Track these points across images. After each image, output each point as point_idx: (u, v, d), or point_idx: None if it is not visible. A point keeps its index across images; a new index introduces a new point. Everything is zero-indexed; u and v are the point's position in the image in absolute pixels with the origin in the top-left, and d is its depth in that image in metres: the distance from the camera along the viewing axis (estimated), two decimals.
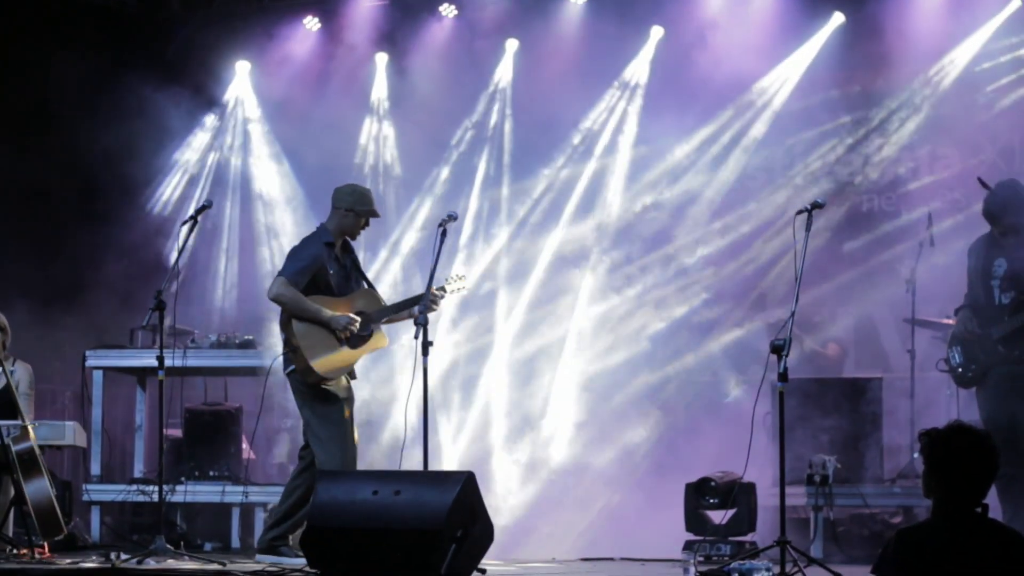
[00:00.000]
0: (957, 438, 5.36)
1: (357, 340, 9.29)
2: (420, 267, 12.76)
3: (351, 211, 9.44)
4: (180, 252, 9.72)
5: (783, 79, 13.15)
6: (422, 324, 8.79)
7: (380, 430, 11.80)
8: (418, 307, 9.07)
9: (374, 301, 9.52)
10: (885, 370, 12.17)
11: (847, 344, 13.03)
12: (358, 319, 9.28)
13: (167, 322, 9.57)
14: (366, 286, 9.62)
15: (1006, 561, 5.21)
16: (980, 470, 5.34)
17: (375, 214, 9.60)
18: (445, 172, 13.78)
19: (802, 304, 8.59)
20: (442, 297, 9.42)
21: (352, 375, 9.47)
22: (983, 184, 9.31)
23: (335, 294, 9.36)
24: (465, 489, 7.90)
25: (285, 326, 9.28)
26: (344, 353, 9.28)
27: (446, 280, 9.63)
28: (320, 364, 9.17)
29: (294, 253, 9.44)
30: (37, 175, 13.22)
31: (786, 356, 8.17)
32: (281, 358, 9.46)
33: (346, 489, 8.12)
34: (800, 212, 8.55)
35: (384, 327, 9.54)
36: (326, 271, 9.35)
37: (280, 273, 9.38)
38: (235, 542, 11.36)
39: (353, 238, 9.62)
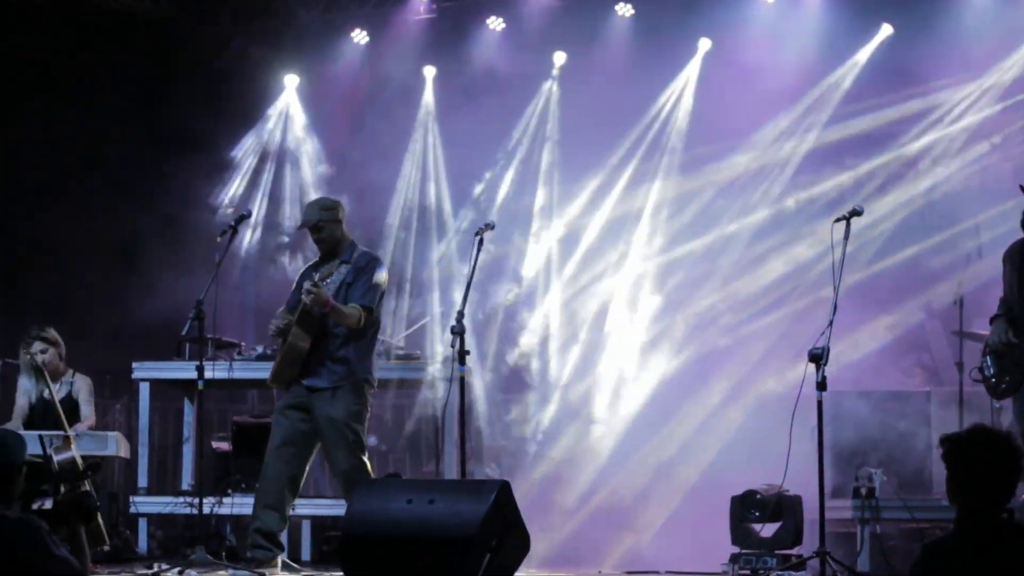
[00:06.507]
0: (976, 440, 5.23)
1: None
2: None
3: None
4: (219, 262, 9.79)
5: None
6: (458, 333, 8.79)
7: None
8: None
9: None
10: (937, 384, 11.97)
11: (932, 368, 12.66)
12: None
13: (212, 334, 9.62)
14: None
15: None
16: (1002, 472, 5.19)
17: (302, 227, 9.61)
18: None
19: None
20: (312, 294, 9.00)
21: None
22: None
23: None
24: (500, 498, 7.85)
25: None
26: None
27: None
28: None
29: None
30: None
31: (824, 364, 8.08)
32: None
33: (381, 498, 8.11)
34: (838, 220, 8.45)
35: None
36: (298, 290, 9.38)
37: None
38: None
39: (319, 252, 9.57)
